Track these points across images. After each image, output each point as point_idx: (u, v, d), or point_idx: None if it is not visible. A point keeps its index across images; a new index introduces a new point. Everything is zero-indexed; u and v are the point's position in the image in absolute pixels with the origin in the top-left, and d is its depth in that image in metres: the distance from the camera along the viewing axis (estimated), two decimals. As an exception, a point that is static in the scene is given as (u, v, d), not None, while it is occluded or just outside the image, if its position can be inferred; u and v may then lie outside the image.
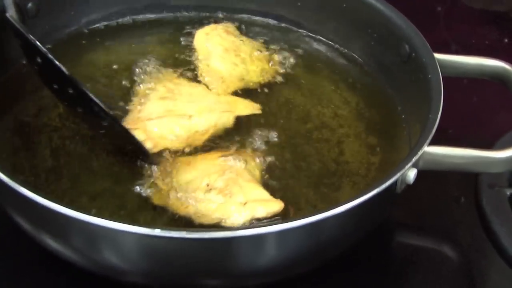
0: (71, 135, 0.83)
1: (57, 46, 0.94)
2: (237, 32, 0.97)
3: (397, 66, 0.89)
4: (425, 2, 1.22)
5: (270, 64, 0.93)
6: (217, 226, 0.72)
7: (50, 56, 0.78)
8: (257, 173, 0.78)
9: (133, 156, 0.79)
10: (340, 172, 0.82)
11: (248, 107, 0.86)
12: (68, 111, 0.84)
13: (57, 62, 0.77)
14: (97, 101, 0.76)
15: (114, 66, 0.93)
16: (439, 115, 0.76)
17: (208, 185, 0.73)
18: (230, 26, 0.97)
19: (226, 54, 0.92)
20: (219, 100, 0.86)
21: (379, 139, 0.86)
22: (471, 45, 1.13)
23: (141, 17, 1.01)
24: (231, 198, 0.73)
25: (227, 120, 0.84)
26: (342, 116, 0.89)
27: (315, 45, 0.98)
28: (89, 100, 0.76)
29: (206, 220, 0.72)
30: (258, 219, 0.72)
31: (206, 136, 0.82)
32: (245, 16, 1.00)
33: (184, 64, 0.92)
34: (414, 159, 0.72)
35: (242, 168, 0.76)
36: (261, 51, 0.94)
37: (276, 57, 0.95)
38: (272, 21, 1.00)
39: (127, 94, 0.89)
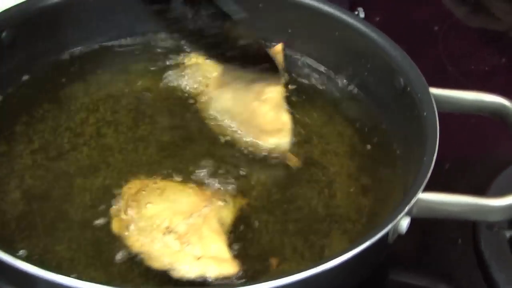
0: (44, 174, 0.80)
1: (36, 75, 0.90)
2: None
3: (392, 100, 0.84)
4: (423, 22, 1.17)
5: None
6: (165, 274, 0.68)
7: None
8: (229, 221, 0.74)
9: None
10: (330, 217, 0.78)
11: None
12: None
13: None
14: None
15: (97, 96, 0.90)
16: (434, 158, 0.72)
17: (167, 228, 0.70)
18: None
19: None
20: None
21: (372, 179, 0.82)
22: (469, 65, 1.10)
23: (128, 40, 0.96)
24: (187, 247, 0.69)
25: None
26: (334, 153, 0.85)
27: (308, 73, 0.93)
28: None
29: (155, 264, 0.69)
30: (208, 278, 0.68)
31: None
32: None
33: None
34: (407, 208, 0.68)
35: (212, 215, 0.72)
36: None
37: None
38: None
39: (110, 127, 0.86)
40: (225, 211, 0.74)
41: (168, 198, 0.73)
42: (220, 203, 0.74)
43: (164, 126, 0.86)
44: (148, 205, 0.73)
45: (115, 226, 0.72)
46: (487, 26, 1.21)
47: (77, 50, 0.94)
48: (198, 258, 0.68)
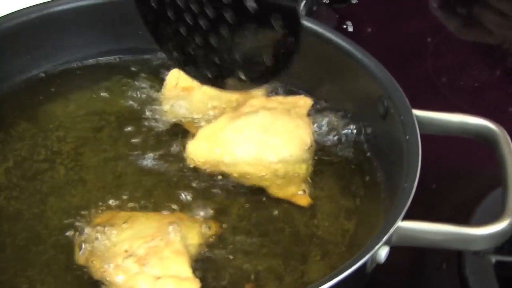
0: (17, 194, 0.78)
1: (13, 93, 0.89)
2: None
3: (376, 122, 0.82)
4: (413, 35, 1.15)
5: None
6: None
7: None
8: (195, 242, 0.72)
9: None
10: (311, 239, 0.76)
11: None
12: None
13: None
14: None
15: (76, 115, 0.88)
16: (415, 185, 0.70)
17: (126, 251, 0.69)
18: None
19: None
20: None
21: (356, 203, 0.80)
22: (459, 80, 1.07)
23: (104, 59, 0.94)
24: (146, 269, 0.68)
25: None
26: (317, 175, 0.82)
27: (286, 93, 0.90)
28: None
29: None
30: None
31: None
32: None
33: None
34: (384, 238, 0.66)
35: (175, 237, 0.70)
36: None
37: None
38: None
39: (87, 146, 0.84)
40: (192, 233, 0.73)
41: (133, 226, 0.72)
42: (187, 224, 0.73)
43: (143, 147, 0.83)
44: (113, 233, 0.71)
45: (78, 257, 0.71)
46: (480, 40, 1.18)
47: (56, 67, 0.91)
48: (158, 278, 0.67)
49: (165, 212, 0.76)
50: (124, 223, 0.72)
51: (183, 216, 0.75)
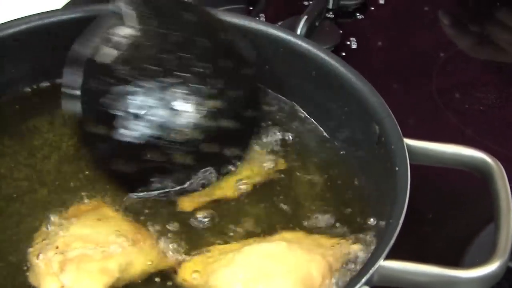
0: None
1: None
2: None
3: (367, 149, 0.79)
4: (422, 51, 1.11)
5: None
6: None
7: None
8: (136, 270, 0.70)
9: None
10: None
11: None
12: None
13: None
14: None
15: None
16: (400, 222, 0.66)
17: (57, 248, 0.68)
18: None
19: None
20: None
21: (344, 230, 0.76)
22: (463, 103, 1.03)
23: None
24: (61, 273, 0.67)
25: None
26: (304, 201, 0.79)
27: (280, 115, 0.88)
28: None
29: (31, 279, 0.68)
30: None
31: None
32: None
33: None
34: (365, 279, 0.63)
35: (116, 254, 0.68)
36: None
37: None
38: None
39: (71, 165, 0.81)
40: (139, 258, 0.69)
41: (96, 225, 0.71)
42: (138, 246, 0.70)
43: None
44: (72, 225, 0.71)
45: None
46: (493, 58, 1.15)
47: (43, 83, 0.89)
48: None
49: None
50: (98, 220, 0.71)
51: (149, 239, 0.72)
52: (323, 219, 0.77)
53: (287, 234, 0.74)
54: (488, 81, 1.06)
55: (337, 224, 0.76)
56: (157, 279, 0.71)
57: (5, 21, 0.85)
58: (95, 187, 0.79)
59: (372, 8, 1.16)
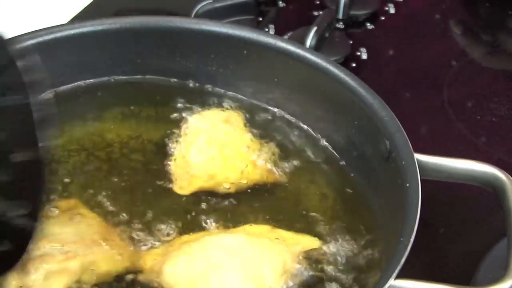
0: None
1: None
2: (240, 123, 0.85)
3: (377, 164, 0.78)
4: (433, 62, 1.10)
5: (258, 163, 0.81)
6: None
7: None
8: (104, 270, 0.70)
9: None
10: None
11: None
12: None
13: None
14: None
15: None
16: (411, 240, 0.65)
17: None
18: (235, 115, 0.85)
19: (207, 146, 0.81)
20: None
21: (354, 252, 0.75)
22: (475, 114, 1.02)
23: (104, 79, 0.90)
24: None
25: None
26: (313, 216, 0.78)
27: (287, 131, 0.87)
28: None
29: None
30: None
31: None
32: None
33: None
34: (374, 300, 0.61)
35: (85, 256, 0.69)
36: (249, 147, 0.82)
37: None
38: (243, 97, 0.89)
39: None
40: (104, 258, 0.70)
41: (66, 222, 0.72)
42: (106, 246, 0.70)
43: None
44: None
45: None
46: (506, 67, 1.13)
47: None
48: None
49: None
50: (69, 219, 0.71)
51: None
52: (330, 231, 0.76)
53: (251, 228, 0.75)
54: (500, 91, 1.05)
55: (347, 237, 0.76)
56: (128, 277, 0.71)
57: (14, 35, 0.85)
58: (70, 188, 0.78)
59: (383, 18, 1.15)
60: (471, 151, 0.93)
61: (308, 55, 0.84)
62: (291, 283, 0.70)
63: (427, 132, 0.97)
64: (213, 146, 0.80)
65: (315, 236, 0.75)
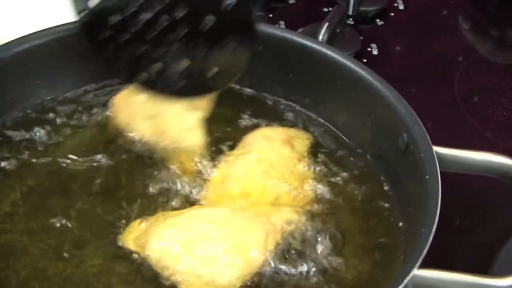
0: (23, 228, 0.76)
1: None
2: (302, 148, 0.83)
3: (394, 157, 0.79)
4: (443, 57, 1.11)
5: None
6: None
7: None
8: None
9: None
10: (325, 278, 0.72)
11: None
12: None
13: None
14: None
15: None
16: (433, 230, 0.66)
17: None
18: (301, 139, 0.84)
19: (254, 163, 0.79)
20: None
21: (372, 242, 0.76)
22: (486, 109, 1.03)
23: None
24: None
25: None
26: (332, 209, 0.79)
27: (306, 125, 0.87)
28: None
29: None
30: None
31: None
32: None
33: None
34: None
35: None
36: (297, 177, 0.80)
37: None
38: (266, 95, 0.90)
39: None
40: None
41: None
42: None
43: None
44: None
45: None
46: (513, 62, 1.15)
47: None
48: None
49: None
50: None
51: None
52: (351, 223, 0.77)
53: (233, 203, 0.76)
54: (510, 85, 1.05)
55: (364, 225, 0.77)
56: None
57: (23, 35, 0.85)
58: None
59: (392, 14, 1.16)
60: (484, 144, 0.94)
61: (324, 50, 0.85)
62: (273, 254, 0.71)
63: (438, 126, 0.98)
64: (260, 165, 0.78)
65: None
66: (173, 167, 0.80)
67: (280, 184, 0.77)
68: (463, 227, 0.86)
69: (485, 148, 0.81)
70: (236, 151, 0.81)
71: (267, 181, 0.77)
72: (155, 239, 0.71)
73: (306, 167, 0.80)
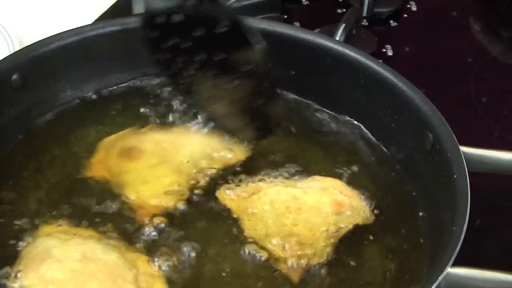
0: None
1: (46, 119, 0.87)
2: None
3: (419, 157, 0.79)
4: (458, 57, 1.12)
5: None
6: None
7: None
8: None
9: None
10: (351, 278, 0.73)
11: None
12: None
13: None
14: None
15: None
16: (464, 228, 0.66)
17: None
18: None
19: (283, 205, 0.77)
20: None
21: (397, 241, 0.76)
22: (503, 109, 1.03)
23: (144, 83, 0.91)
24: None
25: None
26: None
27: (327, 124, 0.88)
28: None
29: None
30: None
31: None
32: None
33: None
34: (433, 286, 0.62)
35: None
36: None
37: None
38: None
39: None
40: None
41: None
42: None
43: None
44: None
45: None
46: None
47: (90, 90, 0.90)
48: None
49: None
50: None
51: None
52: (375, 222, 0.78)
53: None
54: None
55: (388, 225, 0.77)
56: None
57: (42, 38, 0.86)
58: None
59: (405, 15, 1.16)
60: (504, 145, 0.95)
61: (346, 51, 0.86)
62: None
63: (456, 126, 0.98)
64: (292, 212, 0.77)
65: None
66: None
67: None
68: (487, 226, 0.86)
69: (503, 148, 0.81)
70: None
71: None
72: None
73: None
